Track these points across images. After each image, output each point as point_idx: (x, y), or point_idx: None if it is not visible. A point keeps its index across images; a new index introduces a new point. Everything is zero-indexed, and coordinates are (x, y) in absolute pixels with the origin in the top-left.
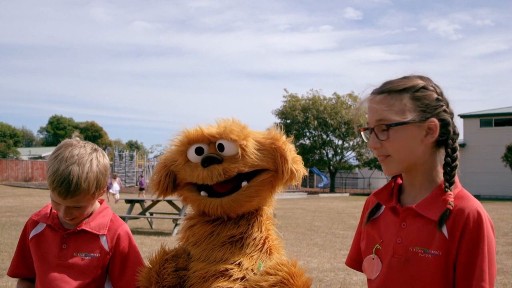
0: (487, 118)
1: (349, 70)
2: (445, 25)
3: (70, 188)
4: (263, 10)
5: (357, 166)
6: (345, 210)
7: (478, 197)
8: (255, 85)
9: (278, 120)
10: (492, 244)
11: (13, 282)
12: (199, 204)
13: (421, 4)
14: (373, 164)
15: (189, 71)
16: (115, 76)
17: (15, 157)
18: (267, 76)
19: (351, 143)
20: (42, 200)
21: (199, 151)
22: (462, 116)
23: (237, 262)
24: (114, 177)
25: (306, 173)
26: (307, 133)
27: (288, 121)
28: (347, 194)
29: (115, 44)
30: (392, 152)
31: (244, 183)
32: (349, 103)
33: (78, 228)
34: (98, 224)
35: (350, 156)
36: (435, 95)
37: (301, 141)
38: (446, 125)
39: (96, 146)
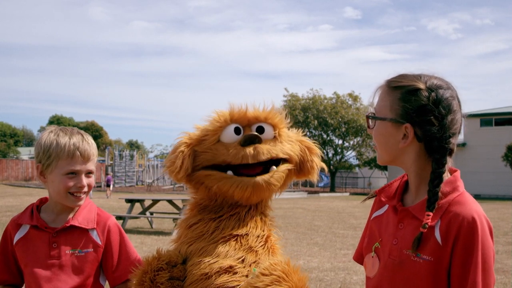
0: (487, 118)
1: (349, 70)
2: (444, 25)
3: (90, 149)
4: (262, 9)
5: (357, 165)
6: (345, 210)
7: (478, 196)
8: (255, 84)
9: None
10: (487, 252)
11: None
12: (224, 184)
13: (420, 3)
14: (373, 163)
15: (188, 71)
16: (115, 76)
17: (15, 156)
18: (266, 75)
19: (351, 142)
20: None
21: (237, 131)
22: (462, 116)
23: (241, 259)
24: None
25: (326, 168)
26: (307, 133)
27: (288, 121)
28: (347, 194)
29: (114, 43)
30: (376, 143)
31: (273, 168)
32: (349, 102)
33: (66, 224)
34: (85, 218)
35: (350, 156)
36: (424, 103)
37: None
38: (431, 137)
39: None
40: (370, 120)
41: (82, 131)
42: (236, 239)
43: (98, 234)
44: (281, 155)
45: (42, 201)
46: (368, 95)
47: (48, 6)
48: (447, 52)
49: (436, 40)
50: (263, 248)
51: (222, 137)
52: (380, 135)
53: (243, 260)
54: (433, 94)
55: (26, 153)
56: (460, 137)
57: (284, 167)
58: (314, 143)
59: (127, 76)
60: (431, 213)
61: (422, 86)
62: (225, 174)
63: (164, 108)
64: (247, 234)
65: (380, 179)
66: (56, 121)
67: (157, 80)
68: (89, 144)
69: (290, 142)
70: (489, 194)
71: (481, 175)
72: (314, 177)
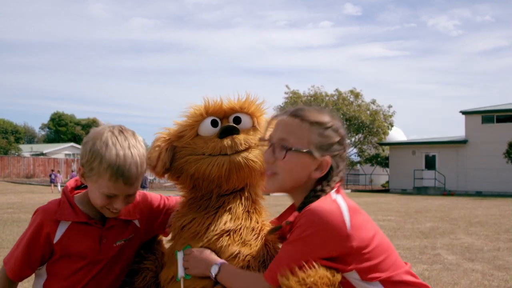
0: (489, 115)
1: (349, 67)
2: (444, 21)
3: (137, 172)
4: (262, 6)
5: (359, 162)
6: None
7: (480, 193)
8: (255, 81)
9: None
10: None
11: None
12: (201, 165)
13: (420, 0)
14: (374, 160)
15: (188, 68)
16: (115, 73)
17: (16, 153)
18: (267, 72)
19: (352, 139)
20: (44, 196)
21: (214, 123)
22: (464, 113)
23: (234, 254)
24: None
25: None
26: None
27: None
28: (349, 191)
29: (114, 40)
30: (281, 172)
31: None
32: (350, 99)
33: (116, 218)
34: (127, 210)
35: (352, 153)
36: (338, 139)
37: None
38: (336, 167)
39: (127, 128)
40: (279, 149)
41: (138, 144)
42: (229, 235)
43: (139, 221)
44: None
45: (73, 193)
46: (368, 93)
47: (48, 3)
48: (447, 48)
49: (437, 37)
50: (257, 240)
51: (200, 131)
52: (295, 166)
53: (236, 256)
54: (341, 130)
55: (27, 150)
56: (462, 134)
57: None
58: None
59: (127, 72)
60: (297, 213)
61: (337, 123)
62: (202, 155)
63: (164, 105)
64: (240, 228)
65: (381, 176)
66: (57, 118)
67: (157, 77)
68: (138, 165)
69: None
70: (491, 191)
71: (483, 172)
72: None
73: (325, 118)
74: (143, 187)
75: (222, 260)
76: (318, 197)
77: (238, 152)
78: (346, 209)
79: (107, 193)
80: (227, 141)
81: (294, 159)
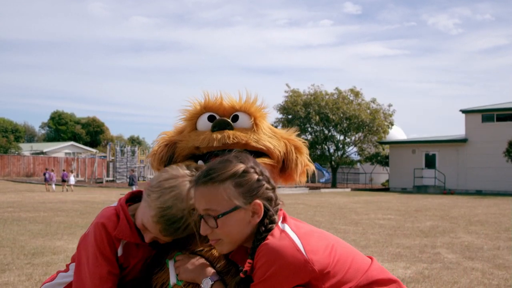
0: (489, 113)
1: (349, 65)
2: (444, 20)
3: (178, 232)
4: (262, 4)
5: (359, 161)
6: (346, 205)
7: (480, 192)
8: (255, 80)
9: (280, 116)
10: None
11: (15, 277)
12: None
13: None
14: (374, 159)
15: (188, 67)
16: (115, 72)
17: (17, 152)
18: (267, 71)
19: (352, 138)
20: (43, 195)
21: (211, 119)
22: (464, 111)
23: (225, 267)
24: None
25: (314, 170)
26: (309, 128)
27: (290, 117)
28: (349, 189)
29: (114, 39)
30: (223, 237)
31: None
32: (351, 98)
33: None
34: None
35: (352, 151)
36: (256, 176)
37: (302, 137)
38: (270, 200)
39: None
40: (209, 220)
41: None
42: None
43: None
44: (253, 144)
45: (128, 206)
46: (369, 92)
47: (47, 2)
48: (447, 47)
49: (437, 36)
50: None
51: (197, 125)
52: (231, 226)
53: (228, 271)
54: (255, 167)
55: (27, 149)
56: (462, 133)
57: (259, 160)
58: (303, 143)
59: (127, 71)
60: (251, 260)
61: (243, 166)
62: (196, 163)
63: (165, 104)
64: None
65: (381, 175)
66: (57, 117)
67: (158, 76)
68: (182, 227)
69: (272, 136)
70: (491, 190)
71: (483, 171)
72: (300, 178)
73: (233, 167)
74: (131, 185)
75: (217, 276)
76: (265, 238)
77: (226, 144)
78: (296, 237)
79: (145, 223)
80: (216, 134)
81: (227, 222)
